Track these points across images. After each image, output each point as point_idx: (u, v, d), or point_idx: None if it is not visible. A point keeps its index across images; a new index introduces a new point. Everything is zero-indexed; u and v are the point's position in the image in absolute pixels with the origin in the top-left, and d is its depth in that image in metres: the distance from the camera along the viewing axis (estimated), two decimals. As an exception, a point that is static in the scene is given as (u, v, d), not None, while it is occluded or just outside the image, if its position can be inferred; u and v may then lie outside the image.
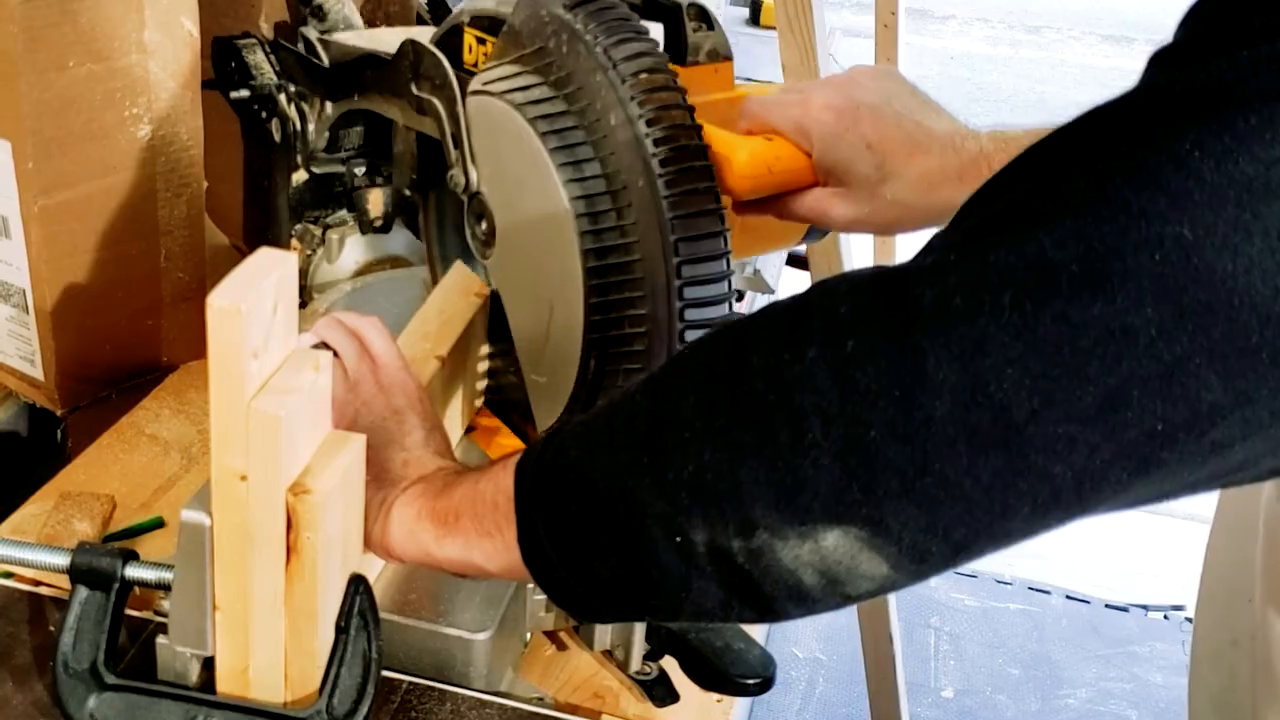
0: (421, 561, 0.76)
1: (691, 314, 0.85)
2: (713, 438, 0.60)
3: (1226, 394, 0.52)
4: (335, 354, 0.83)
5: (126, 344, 1.17)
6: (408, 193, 1.13)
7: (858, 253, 1.72)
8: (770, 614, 0.63)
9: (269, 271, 0.71)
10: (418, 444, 0.81)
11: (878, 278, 0.58)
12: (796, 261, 1.79)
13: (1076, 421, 0.54)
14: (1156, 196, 0.52)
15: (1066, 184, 0.55)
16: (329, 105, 1.19)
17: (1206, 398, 0.52)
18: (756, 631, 0.95)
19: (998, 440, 0.54)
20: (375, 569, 0.88)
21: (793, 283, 1.85)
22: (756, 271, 1.50)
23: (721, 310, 0.86)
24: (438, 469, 0.79)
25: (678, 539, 0.61)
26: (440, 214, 1.13)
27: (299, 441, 0.73)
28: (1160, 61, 0.55)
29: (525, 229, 0.93)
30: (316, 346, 0.83)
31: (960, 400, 0.54)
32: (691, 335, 0.86)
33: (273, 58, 1.21)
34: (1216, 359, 0.52)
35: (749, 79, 1.94)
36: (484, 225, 0.98)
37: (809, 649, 2.48)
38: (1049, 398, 0.53)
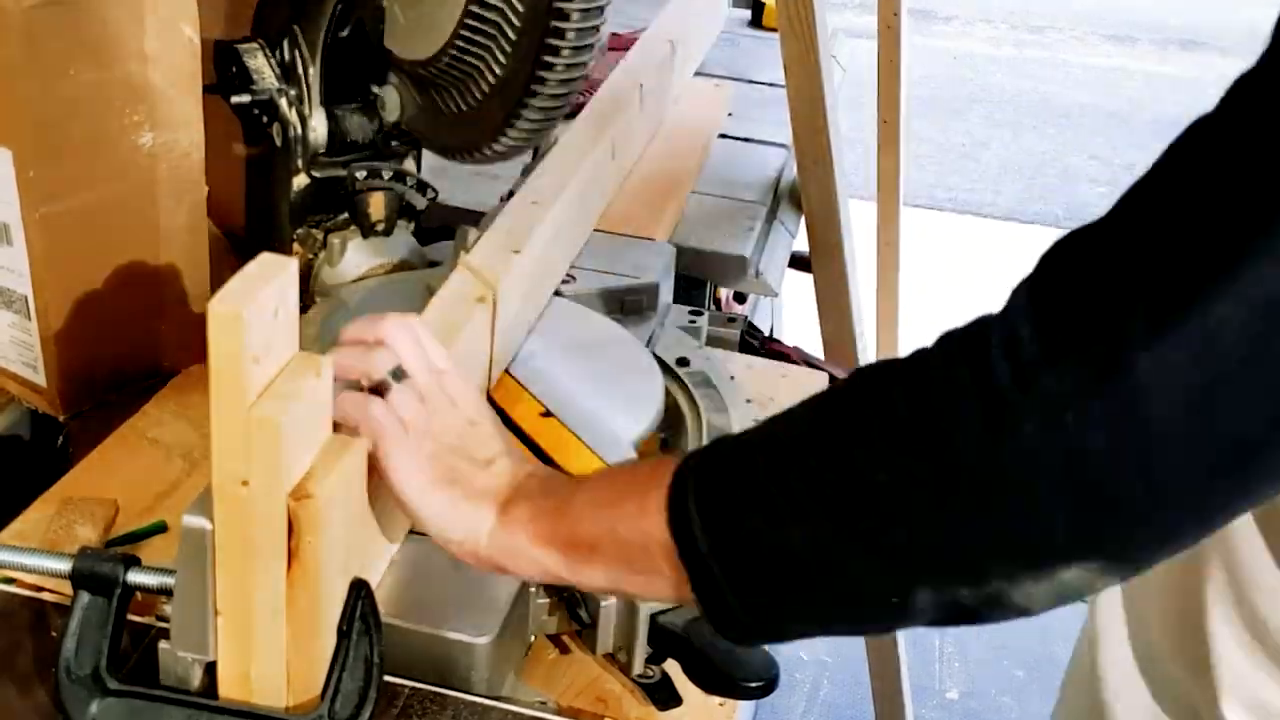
0: (541, 580, 0.80)
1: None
2: (930, 511, 0.61)
3: None
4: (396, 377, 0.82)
5: (128, 349, 1.18)
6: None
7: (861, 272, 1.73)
8: (983, 624, 0.65)
9: (270, 277, 0.71)
10: (499, 453, 0.82)
11: (1079, 342, 0.58)
12: (800, 264, 1.79)
13: None
14: None
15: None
16: (304, 44, 1.21)
17: None
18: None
19: (1235, 464, 0.57)
20: (377, 573, 0.88)
21: (797, 285, 1.85)
22: (759, 273, 1.51)
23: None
24: (528, 475, 0.80)
25: (894, 599, 0.63)
26: None
27: (300, 446, 0.73)
28: None
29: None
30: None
31: (1197, 443, 0.57)
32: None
33: (273, 61, 1.21)
34: None
35: (751, 81, 1.94)
36: None
37: (814, 651, 2.48)
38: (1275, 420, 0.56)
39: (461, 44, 1.14)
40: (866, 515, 0.62)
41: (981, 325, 0.61)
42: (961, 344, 0.62)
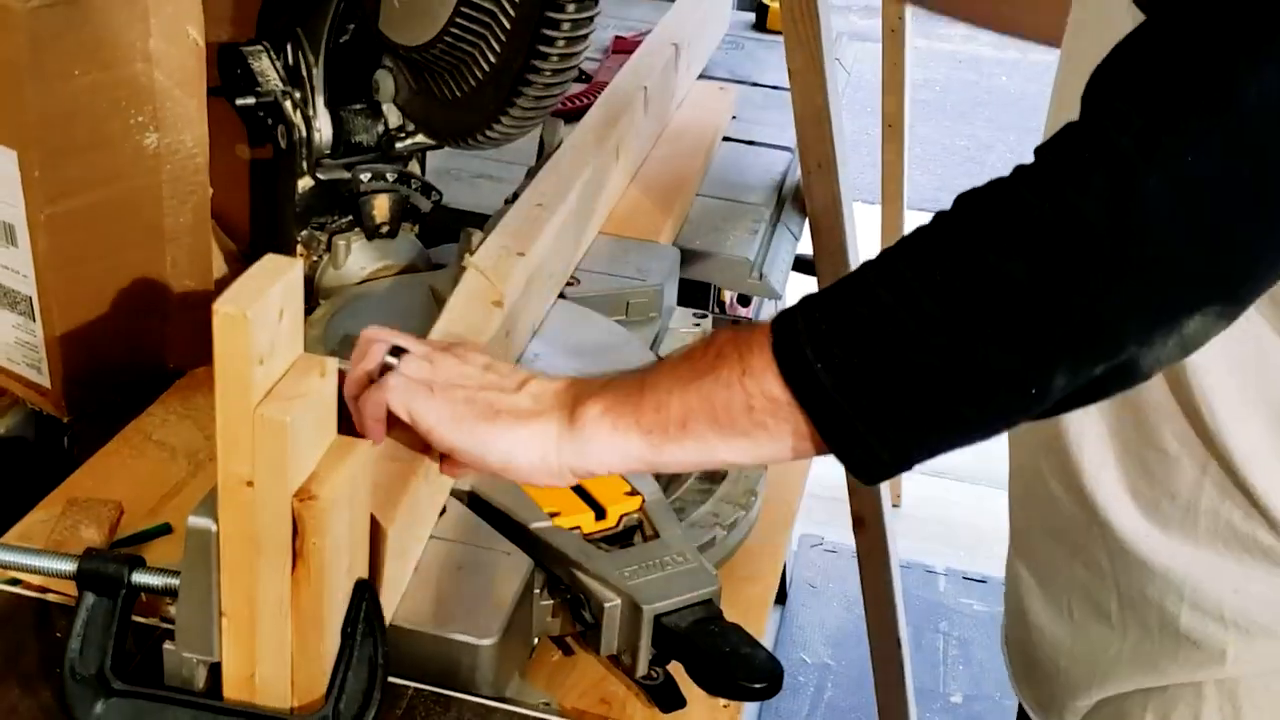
0: (628, 470, 0.83)
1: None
2: (1069, 291, 0.64)
3: None
4: (395, 355, 0.83)
5: (133, 351, 1.18)
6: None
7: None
8: (1100, 400, 0.71)
9: (275, 277, 0.71)
10: (524, 378, 0.82)
11: (1188, 95, 0.62)
12: (803, 266, 1.79)
13: None
14: None
15: None
16: (308, 46, 1.22)
17: None
18: (765, 633, 0.94)
19: None
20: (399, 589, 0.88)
21: (800, 287, 1.85)
22: (763, 276, 1.50)
23: None
24: (571, 382, 0.81)
25: (1034, 390, 0.66)
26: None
27: (305, 447, 0.73)
28: None
29: None
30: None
31: None
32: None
33: (277, 64, 1.22)
34: None
35: (755, 84, 1.94)
36: None
37: (817, 654, 2.48)
38: None
39: (457, 30, 1.14)
40: (1007, 312, 0.65)
41: (1079, 125, 0.65)
42: (1068, 138, 0.65)
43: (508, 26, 1.12)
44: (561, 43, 1.10)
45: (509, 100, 1.14)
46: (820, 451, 0.72)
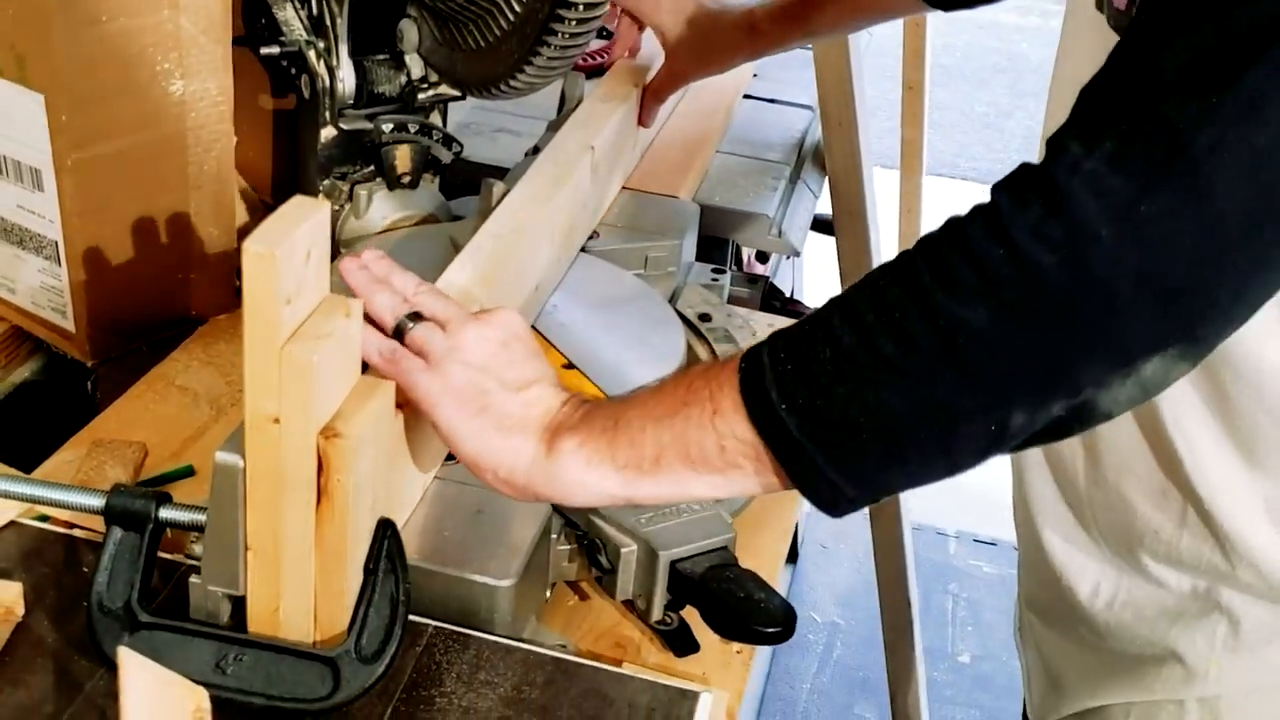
0: (590, 505, 0.81)
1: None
2: (1025, 334, 0.66)
3: None
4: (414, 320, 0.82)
5: (156, 297, 1.19)
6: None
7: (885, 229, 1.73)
8: (1060, 439, 0.72)
9: (303, 219, 0.72)
10: (536, 377, 0.81)
11: (1137, 140, 0.64)
12: (822, 226, 1.80)
13: None
14: None
15: None
16: None
17: None
18: (777, 586, 0.96)
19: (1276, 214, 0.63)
20: (404, 514, 0.89)
21: (819, 247, 1.86)
22: (782, 233, 1.51)
23: None
24: (564, 404, 0.80)
25: (993, 427, 0.68)
26: None
27: (331, 386, 0.74)
28: None
29: None
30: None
31: (1251, 211, 0.63)
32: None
33: (301, 13, 1.22)
34: None
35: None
36: None
37: (827, 613, 2.50)
38: None
39: None
40: (965, 355, 0.66)
41: (1037, 168, 0.67)
42: (1024, 181, 0.66)
43: (533, -27, 1.12)
44: None
45: (533, 50, 1.14)
46: (790, 488, 0.73)
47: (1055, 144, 0.67)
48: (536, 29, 1.13)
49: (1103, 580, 0.96)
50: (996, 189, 0.68)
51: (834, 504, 0.72)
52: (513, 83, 1.18)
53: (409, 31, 1.23)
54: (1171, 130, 0.63)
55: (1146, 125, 0.64)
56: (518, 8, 1.14)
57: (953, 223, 0.68)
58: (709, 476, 0.74)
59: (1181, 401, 0.86)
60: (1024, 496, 1.01)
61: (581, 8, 1.11)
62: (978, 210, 0.68)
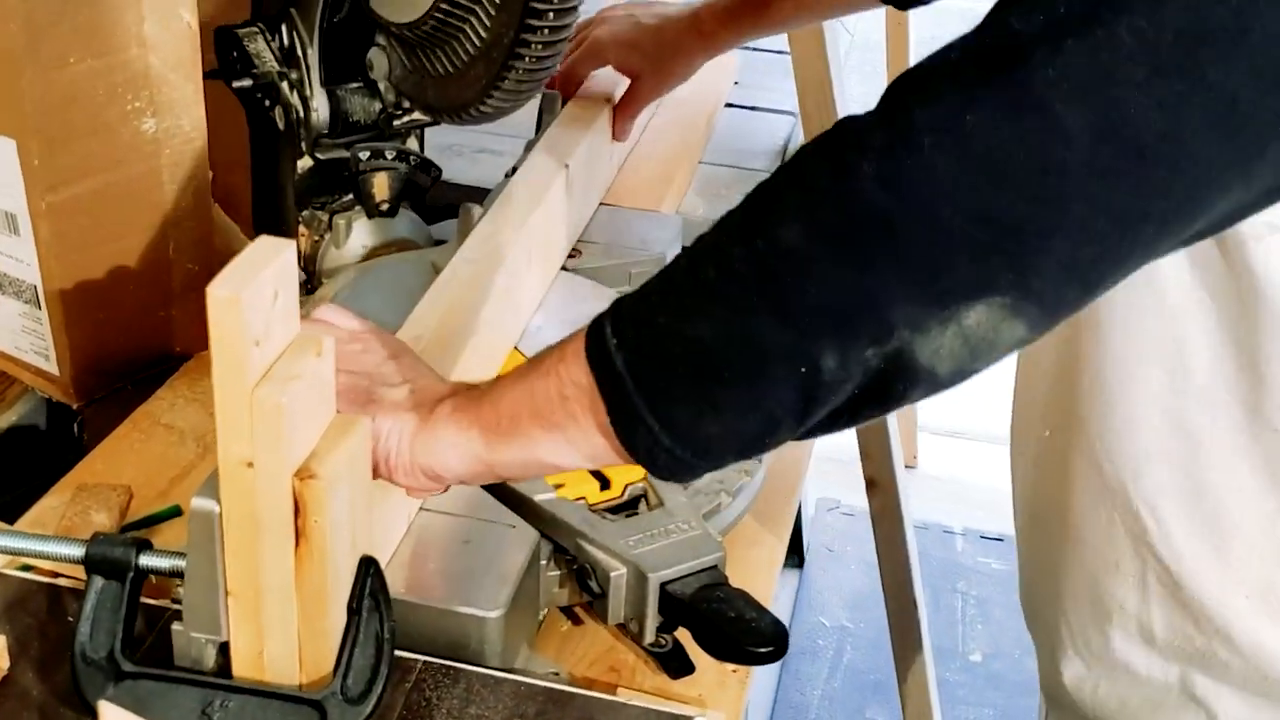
0: (471, 470, 0.76)
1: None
2: (836, 256, 0.60)
3: None
4: None
5: (139, 335, 1.18)
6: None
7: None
8: (894, 407, 0.65)
9: (268, 259, 0.72)
10: (421, 375, 0.81)
11: (979, 50, 0.58)
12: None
13: (1201, 133, 0.56)
14: None
15: None
16: (301, 26, 1.21)
17: None
18: (783, 597, 0.95)
19: (1129, 169, 0.57)
20: (388, 551, 0.89)
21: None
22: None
23: None
24: (451, 388, 0.79)
25: (803, 369, 0.62)
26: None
27: (303, 427, 0.74)
28: None
29: None
30: None
31: (1094, 141, 0.56)
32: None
33: (273, 45, 1.22)
34: None
35: (757, 49, 1.93)
36: None
37: (835, 617, 2.49)
38: (1176, 113, 0.55)
39: (446, 5, 1.14)
40: (775, 278, 0.61)
41: (881, 97, 0.62)
42: (870, 110, 0.61)
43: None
44: (551, 15, 1.10)
45: (501, 74, 1.13)
46: (618, 449, 0.69)
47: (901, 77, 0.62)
48: (504, 53, 1.12)
49: (1083, 669, 0.93)
50: (842, 119, 0.63)
51: (652, 457, 0.68)
52: (483, 107, 1.17)
53: (378, 60, 1.22)
54: (1011, 35, 0.57)
55: (988, 30, 0.58)
56: (483, 32, 1.13)
57: (802, 148, 0.64)
58: (553, 435, 0.70)
59: (1147, 459, 0.83)
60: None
61: (547, 31, 1.10)
62: (824, 132, 0.63)
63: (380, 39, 1.23)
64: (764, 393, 0.63)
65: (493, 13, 1.12)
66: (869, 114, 0.61)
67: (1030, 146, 0.56)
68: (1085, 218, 0.57)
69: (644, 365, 0.66)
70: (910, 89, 0.60)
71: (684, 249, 0.68)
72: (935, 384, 0.63)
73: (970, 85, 0.57)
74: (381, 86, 1.25)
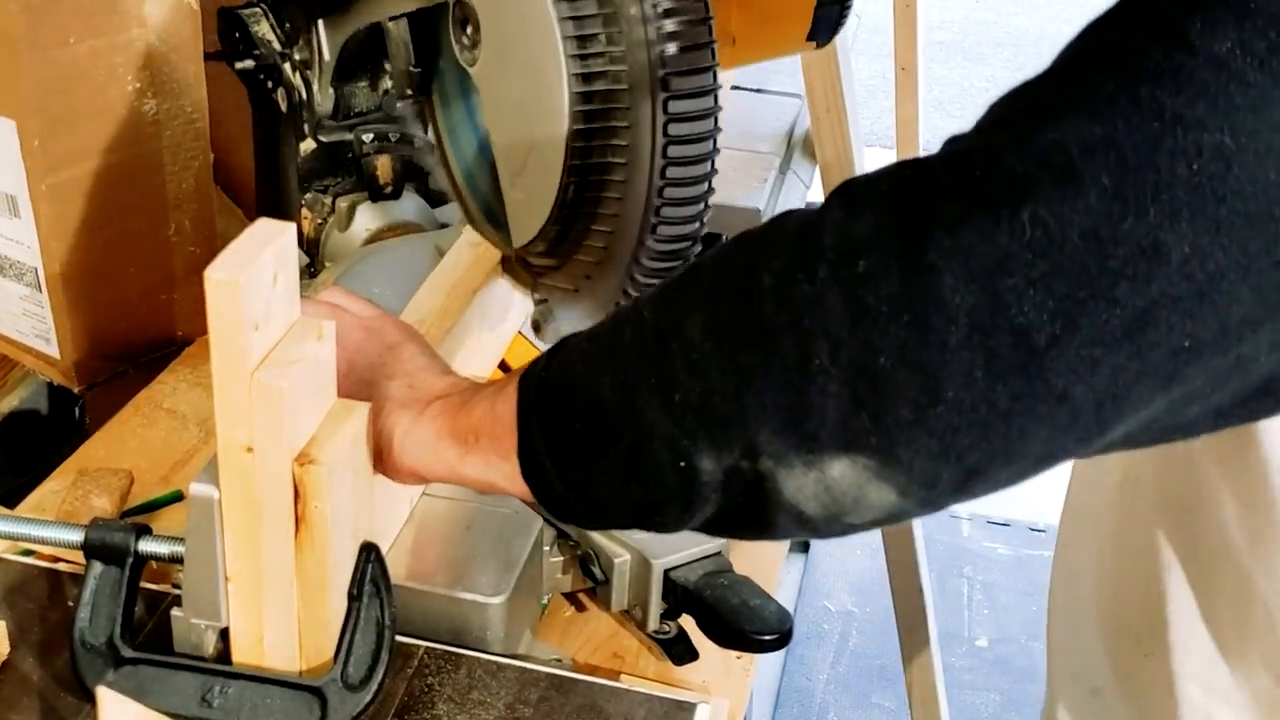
0: (448, 479, 0.75)
1: (675, 150, 0.85)
2: (720, 360, 0.58)
3: (1258, 308, 0.51)
4: None
5: (140, 319, 1.18)
6: (410, 94, 1.07)
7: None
8: (769, 535, 0.62)
9: (267, 242, 0.71)
10: (420, 368, 0.80)
11: (893, 188, 0.55)
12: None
13: (1101, 344, 0.52)
14: (1195, 101, 0.49)
15: (1093, 85, 0.51)
16: (325, 41, 1.17)
17: (1237, 312, 0.51)
18: (788, 582, 0.94)
19: (1016, 365, 0.52)
20: (389, 537, 0.88)
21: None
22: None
23: (706, 147, 0.86)
24: (449, 385, 0.78)
25: (681, 463, 0.60)
26: (446, 105, 1.08)
27: (303, 412, 0.73)
28: None
29: (513, 39, 0.91)
30: None
31: (978, 324, 0.52)
32: (673, 172, 0.86)
33: (277, 28, 1.20)
34: (1251, 273, 0.50)
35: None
36: (469, 29, 0.95)
37: (841, 602, 2.48)
38: (1072, 321, 0.51)
39: (567, 211, 0.94)
40: (669, 364, 0.60)
41: (837, 188, 0.59)
42: (802, 211, 0.59)
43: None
44: (682, 187, 0.91)
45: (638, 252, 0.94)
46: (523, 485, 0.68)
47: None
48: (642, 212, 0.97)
49: None
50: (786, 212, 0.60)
51: (550, 503, 0.67)
52: (636, 274, 1.03)
53: (542, 317, 1.05)
54: (930, 187, 0.53)
55: (918, 171, 0.54)
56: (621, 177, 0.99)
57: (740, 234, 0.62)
58: (502, 462, 0.69)
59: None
60: None
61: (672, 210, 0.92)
62: (764, 223, 0.61)
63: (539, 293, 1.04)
64: (646, 472, 0.62)
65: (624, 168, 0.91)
66: (803, 213, 0.59)
67: (913, 312, 0.53)
68: (962, 403, 0.53)
69: (551, 408, 0.66)
70: (839, 203, 0.57)
71: (635, 297, 0.67)
72: (807, 523, 0.59)
73: (876, 227, 0.54)
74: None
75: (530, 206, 0.93)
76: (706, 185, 0.91)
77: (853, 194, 0.57)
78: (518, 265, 1.01)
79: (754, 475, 0.58)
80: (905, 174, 0.55)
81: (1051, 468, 0.57)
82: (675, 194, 0.89)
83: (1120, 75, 0.51)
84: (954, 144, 0.55)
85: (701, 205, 0.91)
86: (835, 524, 0.59)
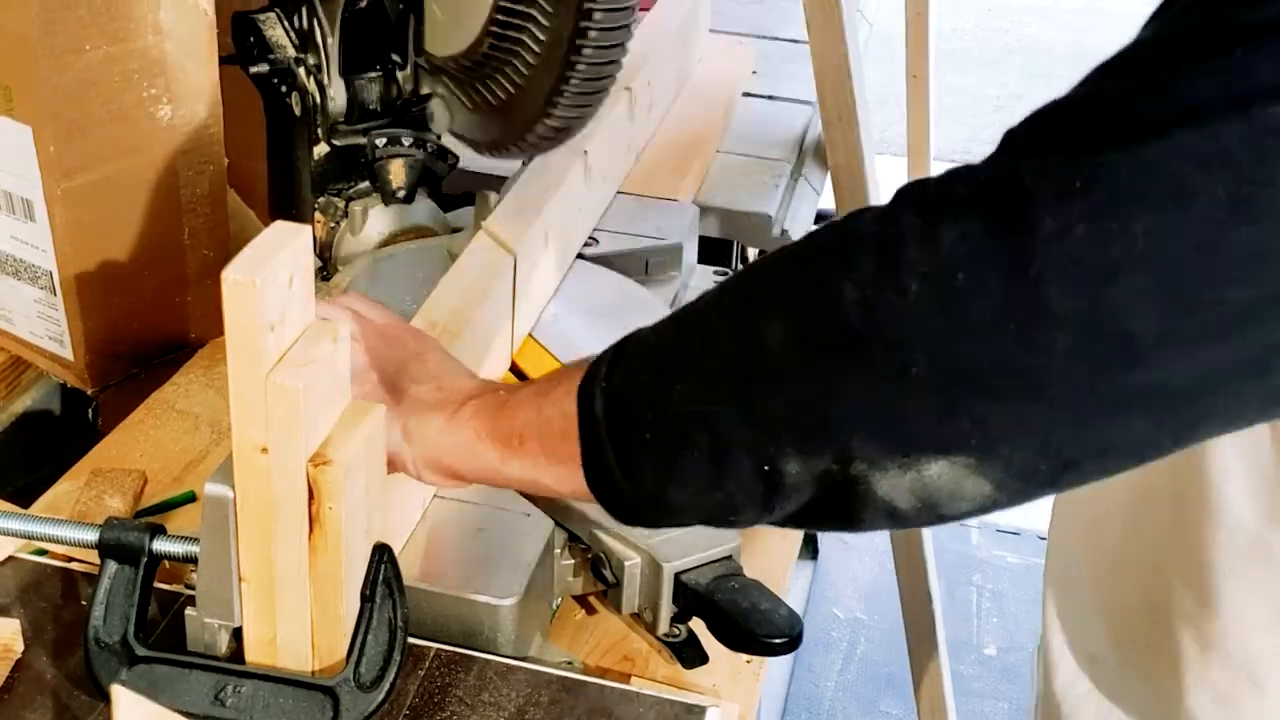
0: (487, 479, 0.76)
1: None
2: (805, 370, 0.59)
3: None
4: None
5: (154, 321, 1.18)
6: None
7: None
8: (855, 529, 0.63)
9: (283, 245, 0.71)
10: (447, 371, 0.81)
11: (977, 197, 0.55)
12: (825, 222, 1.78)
13: (1203, 342, 0.53)
14: None
15: (1192, 93, 0.52)
16: (323, 15, 1.19)
17: None
18: (796, 589, 0.95)
19: (1119, 364, 0.54)
20: (402, 538, 0.89)
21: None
22: (784, 232, 1.50)
23: None
24: (478, 386, 0.79)
25: (766, 467, 0.61)
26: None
27: (318, 413, 0.73)
28: None
29: None
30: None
31: (1083, 330, 0.53)
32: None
33: (291, 31, 1.21)
34: None
35: (775, 38, 1.93)
36: None
37: (850, 609, 2.48)
38: (1178, 325, 0.53)
39: (502, 16, 1.11)
40: (746, 373, 0.60)
41: (886, 204, 0.59)
42: (868, 211, 0.59)
43: (549, 9, 1.09)
44: (600, 15, 1.06)
45: (565, 75, 1.09)
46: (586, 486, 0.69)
47: (955, 170, 0.57)
48: (565, 49, 1.08)
49: None
50: (848, 214, 0.61)
51: (618, 509, 0.68)
52: (549, 120, 1.13)
53: (439, 112, 1.21)
54: (1021, 194, 0.53)
55: (999, 177, 0.55)
56: (541, 35, 1.10)
57: (810, 233, 0.63)
58: (554, 467, 0.70)
59: None
60: None
61: (596, 33, 1.06)
62: (814, 232, 0.62)
63: (437, 89, 1.21)
64: (725, 477, 0.62)
65: (549, 10, 1.09)
66: (873, 219, 0.58)
67: (1018, 322, 0.54)
68: (1064, 402, 0.55)
69: (619, 418, 0.66)
70: (912, 211, 0.57)
71: (699, 296, 0.67)
72: (896, 518, 0.60)
73: (969, 238, 0.54)
74: (443, 140, 1.24)
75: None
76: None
77: (927, 201, 0.57)
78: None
79: (845, 478, 0.59)
80: (985, 180, 0.56)
81: (1143, 462, 0.58)
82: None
83: (1225, 88, 0.52)
84: (1031, 153, 0.55)
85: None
86: (926, 516, 0.60)
